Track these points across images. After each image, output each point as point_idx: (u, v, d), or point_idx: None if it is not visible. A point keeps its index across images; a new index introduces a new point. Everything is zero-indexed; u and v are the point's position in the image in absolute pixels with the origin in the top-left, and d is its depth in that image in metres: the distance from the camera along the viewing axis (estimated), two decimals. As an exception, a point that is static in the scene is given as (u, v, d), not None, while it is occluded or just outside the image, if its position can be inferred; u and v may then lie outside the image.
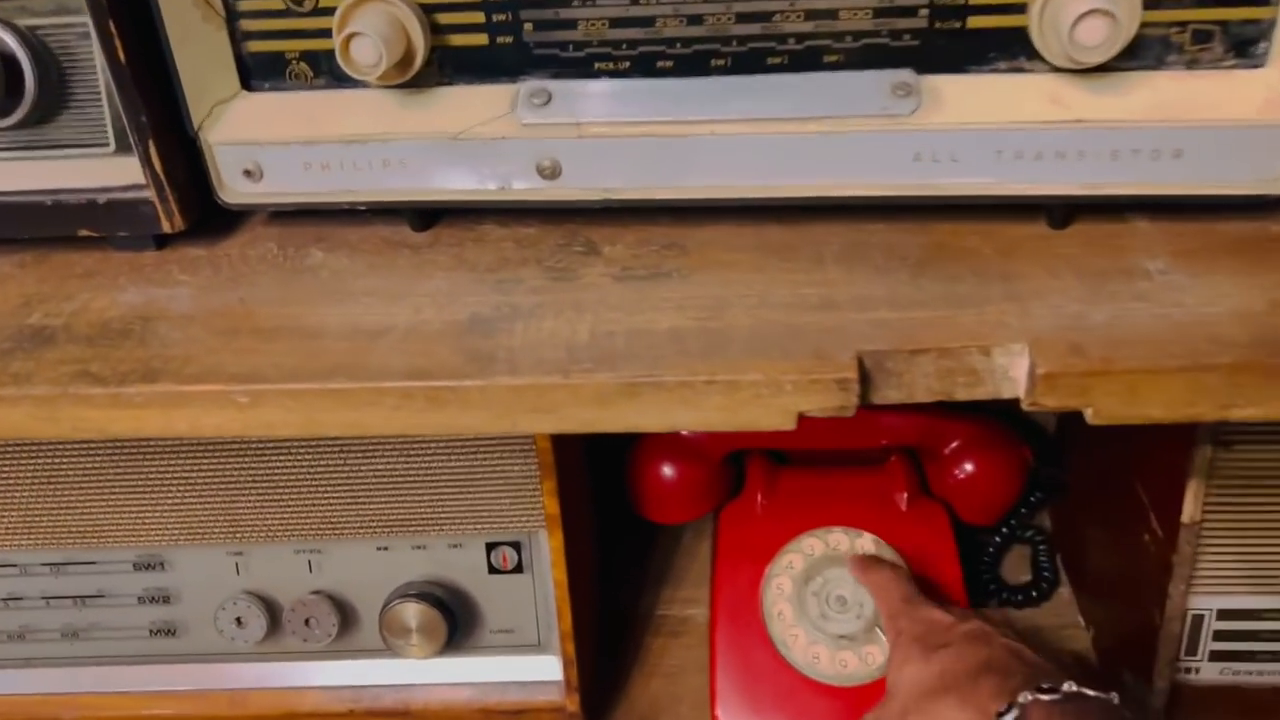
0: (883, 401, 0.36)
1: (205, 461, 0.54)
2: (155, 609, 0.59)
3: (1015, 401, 0.36)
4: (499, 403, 0.36)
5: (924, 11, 0.38)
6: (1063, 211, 0.40)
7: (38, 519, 0.56)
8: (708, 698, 0.59)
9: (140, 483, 0.55)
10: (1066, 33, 0.35)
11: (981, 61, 0.38)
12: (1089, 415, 0.34)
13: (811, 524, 0.60)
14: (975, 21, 0.38)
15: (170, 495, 0.55)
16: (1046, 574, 0.66)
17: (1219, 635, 0.56)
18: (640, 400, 0.35)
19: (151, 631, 0.60)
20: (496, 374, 0.36)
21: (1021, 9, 0.37)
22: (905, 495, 0.62)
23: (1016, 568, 0.67)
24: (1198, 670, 0.56)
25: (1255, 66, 0.37)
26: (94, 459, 0.54)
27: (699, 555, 0.72)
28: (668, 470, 0.64)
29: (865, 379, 0.35)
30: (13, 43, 0.41)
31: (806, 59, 0.39)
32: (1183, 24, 0.37)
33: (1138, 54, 0.37)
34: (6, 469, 0.54)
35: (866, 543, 0.59)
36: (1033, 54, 0.37)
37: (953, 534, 0.62)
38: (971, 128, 0.38)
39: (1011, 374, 0.35)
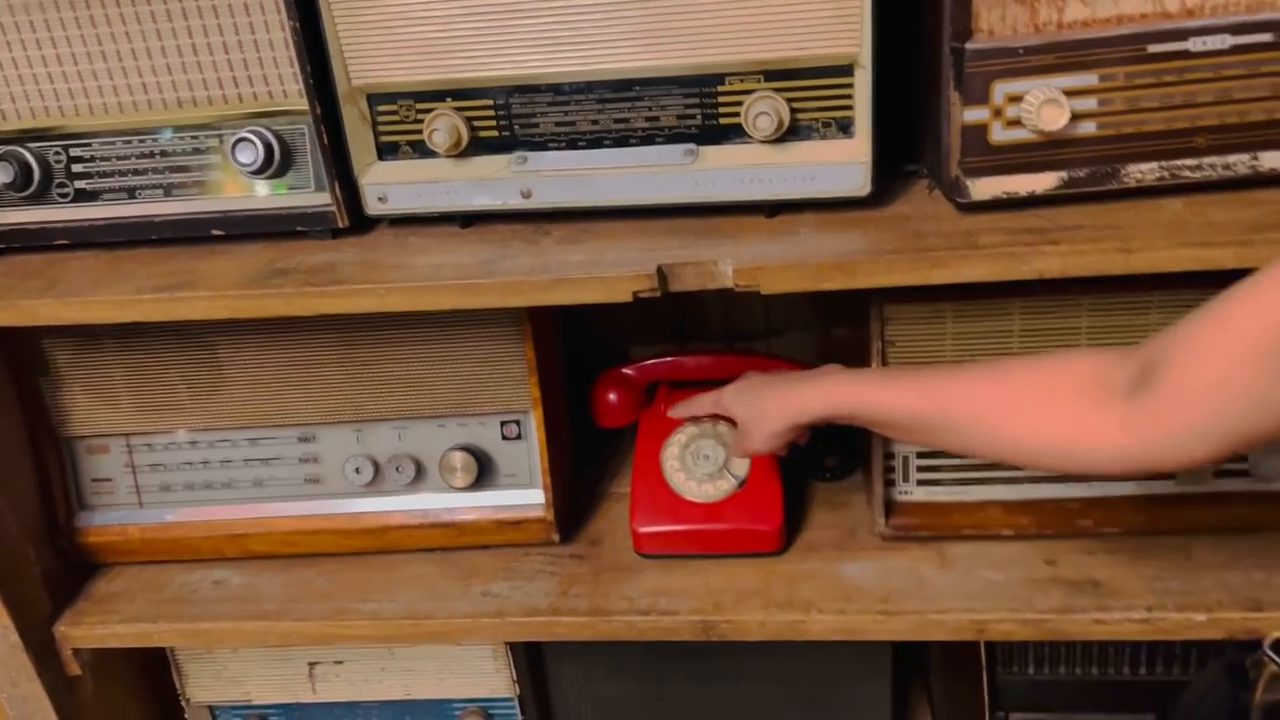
0: (672, 290, 0.77)
1: (341, 366, 0.97)
2: (307, 466, 1.01)
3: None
4: (502, 289, 0.78)
5: (698, 115, 0.81)
6: (770, 208, 0.82)
7: (243, 407, 0.99)
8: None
9: (304, 378, 0.97)
10: (753, 122, 0.78)
11: (726, 139, 0.81)
12: (761, 289, 0.76)
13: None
14: (723, 121, 0.81)
15: (319, 389, 0.98)
16: (846, 459, 1.06)
17: (920, 468, 0.95)
18: (562, 286, 0.77)
19: (305, 480, 1.02)
20: (498, 276, 0.78)
21: (737, 110, 0.80)
22: (750, 402, 1.03)
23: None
24: (910, 492, 0.96)
25: (850, 138, 0.80)
26: (280, 365, 0.97)
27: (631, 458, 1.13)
28: (613, 395, 1.06)
29: (663, 276, 0.77)
30: (271, 137, 0.86)
31: (647, 138, 0.82)
32: (815, 119, 0.80)
33: (796, 132, 0.80)
34: (233, 369, 0.97)
35: (723, 429, 1.00)
36: (745, 134, 0.80)
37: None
38: (721, 169, 0.81)
39: (728, 273, 0.77)
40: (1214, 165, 0.76)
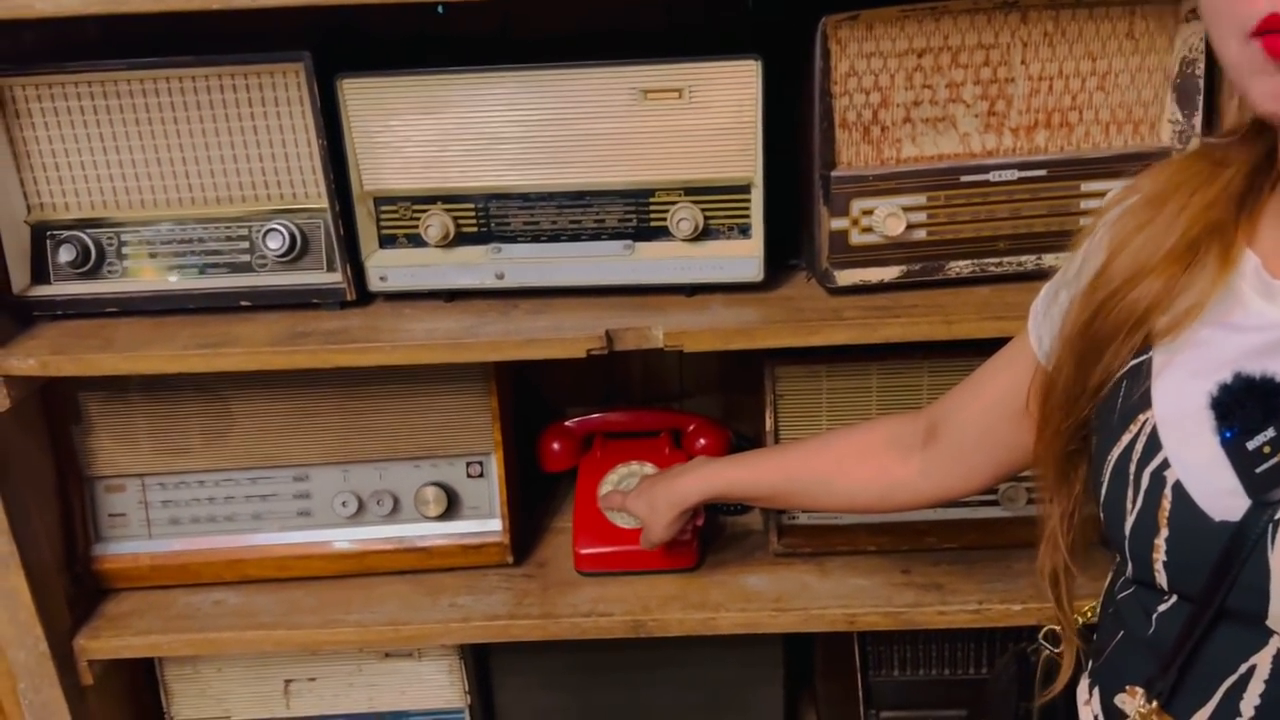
0: (617, 349, 1.01)
1: (334, 416, 1.17)
2: (300, 501, 1.21)
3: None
4: (485, 348, 1.01)
5: (634, 219, 1.06)
6: (689, 289, 1.08)
7: (247, 451, 1.18)
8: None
9: (301, 426, 1.18)
10: (676, 225, 1.04)
11: (655, 237, 1.07)
12: (684, 348, 1.01)
13: (623, 460, 1.25)
14: (653, 223, 1.07)
15: (313, 435, 1.18)
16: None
17: (804, 498, 1.20)
18: (533, 345, 1.01)
19: (297, 513, 1.21)
20: (480, 338, 1.01)
21: (664, 217, 1.06)
22: (667, 450, 1.27)
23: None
24: (796, 517, 1.20)
25: (748, 238, 1.06)
26: (281, 414, 1.17)
27: (569, 498, 1.35)
28: (556, 444, 1.29)
29: (610, 338, 1.01)
30: (294, 227, 1.08)
31: (595, 235, 1.07)
32: (721, 225, 1.06)
33: (709, 234, 1.06)
34: (240, 418, 1.17)
35: (649, 468, 1.23)
36: (670, 234, 1.06)
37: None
38: (652, 259, 1.06)
39: (659, 336, 1.01)
40: (1011, 263, 1.05)
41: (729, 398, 1.41)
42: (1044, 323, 0.79)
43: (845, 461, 0.96)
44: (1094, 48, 1.00)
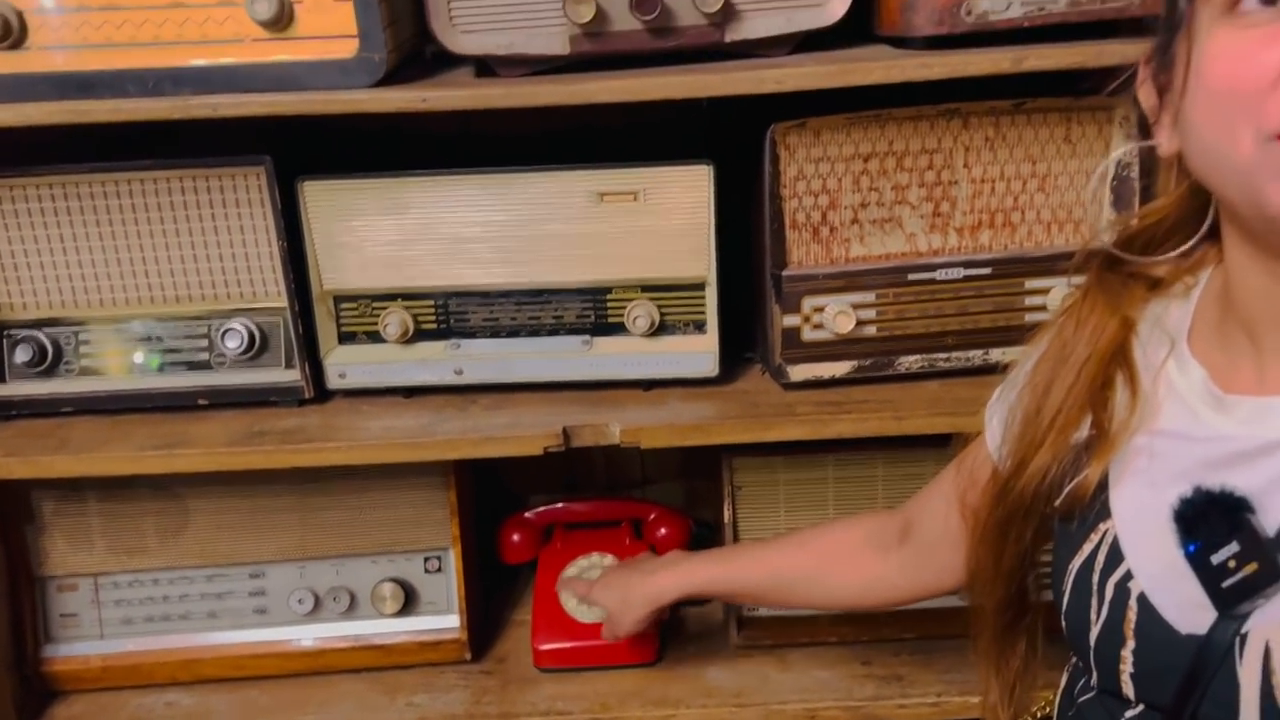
0: (574, 445, 1.02)
1: (290, 513, 1.17)
2: (256, 599, 1.19)
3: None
4: (442, 446, 1.02)
5: (592, 315, 1.08)
6: (646, 384, 1.09)
7: (203, 549, 1.17)
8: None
9: (258, 523, 1.17)
10: (633, 322, 1.06)
11: (613, 333, 1.08)
12: (641, 445, 1.01)
13: (583, 552, 1.25)
14: (610, 320, 1.08)
15: (270, 532, 1.17)
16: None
17: (763, 590, 1.20)
18: (489, 443, 1.01)
19: (253, 610, 1.19)
20: (436, 437, 1.02)
21: (621, 313, 1.07)
22: (628, 540, 1.27)
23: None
24: (756, 609, 1.20)
25: (703, 334, 1.08)
26: (238, 512, 1.16)
27: (529, 588, 1.34)
28: (516, 536, 1.29)
29: (567, 435, 1.02)
30: (253, 326, 1.08)
31: (553, 331, 1.09)
32: (678, 320, 1.08)
33: (665, 329, 1.08)
34: (196, 516, 1.16)
35: (609, 560, 1.24)
36: (627, 330, 1.08)
37: (654, 561, 1.26)
38: (610, 355, 1.08)
39: (616, 432, 1.02)
40: (959, 357, 1.07)
41: (692, 484, 1.41)
42: (996, 423, 0.80)
43: (828, 558, 0.97)
44: (1033, 151, 1.03)
